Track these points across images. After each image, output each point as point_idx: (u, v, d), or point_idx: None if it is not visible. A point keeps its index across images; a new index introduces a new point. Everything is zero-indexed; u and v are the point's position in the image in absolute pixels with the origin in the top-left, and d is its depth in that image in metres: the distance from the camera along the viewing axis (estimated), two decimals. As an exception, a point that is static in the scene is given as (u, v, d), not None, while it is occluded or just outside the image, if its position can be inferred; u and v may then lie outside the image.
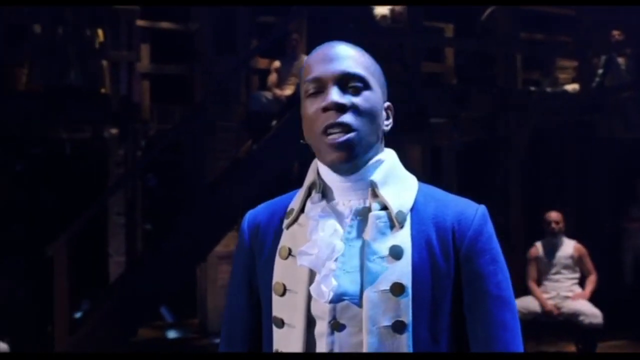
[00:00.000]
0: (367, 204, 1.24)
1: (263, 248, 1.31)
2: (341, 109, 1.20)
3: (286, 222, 1.29)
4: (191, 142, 5.76)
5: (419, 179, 1.34)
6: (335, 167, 1.25)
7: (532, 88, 7.41)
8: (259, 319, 1.32)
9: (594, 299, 5.48)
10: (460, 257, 1.22)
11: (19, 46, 6.11)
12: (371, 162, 1.24)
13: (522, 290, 5.66)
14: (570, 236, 5.76)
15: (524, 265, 5.72)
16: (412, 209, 1.24)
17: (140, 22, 6.41)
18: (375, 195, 1.23)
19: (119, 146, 6.73)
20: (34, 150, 7.35)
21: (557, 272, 5.62)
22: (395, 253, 1.19)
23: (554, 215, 5.67)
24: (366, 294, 1.18)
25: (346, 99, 1.21)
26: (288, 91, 6.25)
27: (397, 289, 1.18)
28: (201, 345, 6.53)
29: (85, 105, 6.16)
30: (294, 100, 5.97)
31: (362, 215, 1.23)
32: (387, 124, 1.28)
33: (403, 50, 6.62)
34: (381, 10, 6.66)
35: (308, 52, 6.51)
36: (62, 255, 4.89)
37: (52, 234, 5.12)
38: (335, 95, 1.20)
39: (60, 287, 4.86)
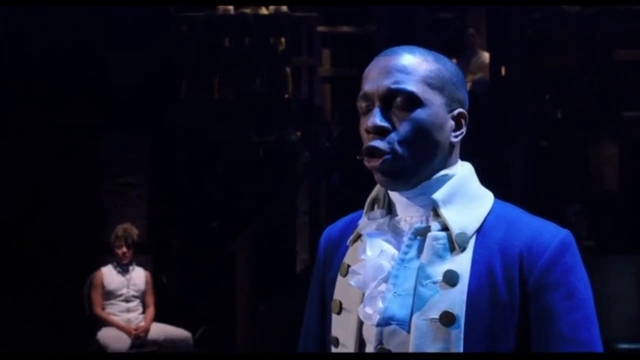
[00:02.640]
0: (429, 223, 1.16)
1: (332, 264, 1.28)
2: (381, 132, 1.15)
3: (350, 238, 1.25)
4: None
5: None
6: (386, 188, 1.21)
7: None
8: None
9: None
10: (528, 290, 1.10)
11: (212, 59, 6.64)
12: (436, 176, 1.17)
13: None
14: None
15: None
16: (478, 231, 1.14)
17: (320, 28, 6.63)
18: (437, 214, 1.15)
19: (304, 148, 7.02)
20: (232, 154, 7.93)
21: None
22: (450, 278, 1.11)
23: None
24: (414, 321, 1.11)
25: (387, 122, 1.15)
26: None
27: (447, 318, 1.09)
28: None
29: (271, 111, 6.53)
30: (471, 97, 5.77)
31: (422, 235, 1.15)
32: (455, 135, 1.19)
33: (595, 37, 6.11)
34: (568, -4, 6.20)
35: (488, 48, 6.27)
36: (243, 250, 5.22)
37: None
38: (376, 116, 1.15)
39: (242, 281, 5.19)
